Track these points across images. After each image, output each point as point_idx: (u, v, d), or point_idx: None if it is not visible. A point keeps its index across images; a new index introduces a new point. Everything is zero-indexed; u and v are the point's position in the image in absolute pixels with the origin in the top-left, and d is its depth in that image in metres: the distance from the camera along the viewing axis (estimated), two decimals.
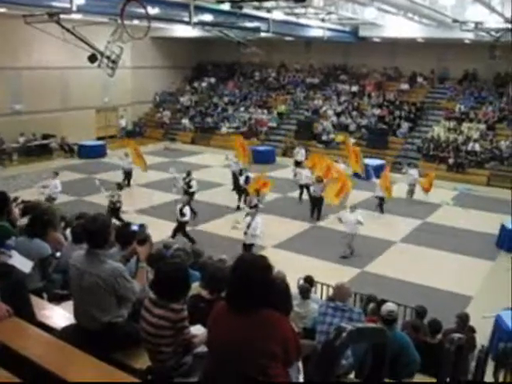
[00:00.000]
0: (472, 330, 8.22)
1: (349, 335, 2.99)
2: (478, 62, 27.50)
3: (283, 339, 2.98)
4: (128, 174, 20.85)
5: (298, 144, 26.16)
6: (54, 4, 15.08)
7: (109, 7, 15.18)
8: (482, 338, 8.55)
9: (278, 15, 21.78)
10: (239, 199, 18.41)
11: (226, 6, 18.12)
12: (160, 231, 14.43)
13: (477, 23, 20.07)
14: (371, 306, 8.45)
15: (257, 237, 13.59)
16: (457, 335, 6.86)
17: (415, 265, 14.27)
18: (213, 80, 36.45)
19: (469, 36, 23.00)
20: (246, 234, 13.55)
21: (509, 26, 17.68)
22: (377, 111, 29.23)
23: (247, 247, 13.52)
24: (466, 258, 14.86)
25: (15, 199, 10.83)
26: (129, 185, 20.62)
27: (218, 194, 19.47)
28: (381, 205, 18.46)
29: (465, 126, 26.69)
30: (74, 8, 14.04)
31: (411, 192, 20.42)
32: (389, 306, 6.18)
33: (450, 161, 24.79)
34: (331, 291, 8.46)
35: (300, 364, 3.90)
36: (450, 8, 18.25)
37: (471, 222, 17.70)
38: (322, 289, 10.92)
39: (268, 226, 16.27)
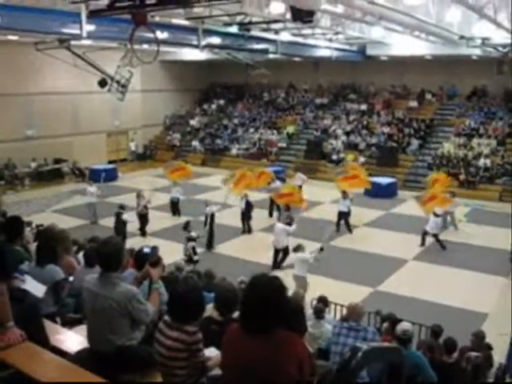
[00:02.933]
0: (489, 348, 8.12)
1: (364, 355, 2.96)
2: (487, 77, 27.51)
3: (298, 360, 2.97)
4: (175, 204, 20.26)
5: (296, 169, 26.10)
6: (65, 31, 15.31)
7: (118, 32, 15.36)
8: (500, 356, 8.42)
9: (285, 36, 21.97)
10: (243, 224, 18.52)
11: (233, 29, 18.32)
12: (172, 254, 14.44)
13: (484, 39, 20.15)
14: (385, 325, 8.37)
15: (284, 240, 14.84)
16: (474, 354, 6.78)
17: (428, 283, 14.14)
18: (222, 102, 36.71)
19: (476, 52, 23.06)
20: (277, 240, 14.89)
21: None
22: (386, 129, 29.25)
23: (280, 252, 14.90)
24: (480, 275, 14.71)
25: (29, 224, 10.94)
26: (179, 215, 20.07)
27: (227, 215, 19.44)
28: (438, 240, 16.99)
29: (475, 141, 26.63)
30: (84, 34, 14.23)
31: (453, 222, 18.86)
32: (404, 326, 6.11)
33: (461, 177, 24.70)
34: (344, 311, 8.41)
35: None
36: (456, 25, 18.30)
37: (484, 238, 17.56)
38: (335, 309, 10.84)
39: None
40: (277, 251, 15.06)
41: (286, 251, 14.89)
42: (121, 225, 16.96)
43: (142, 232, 18.03)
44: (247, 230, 18.50)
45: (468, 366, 6.79)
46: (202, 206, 17.77)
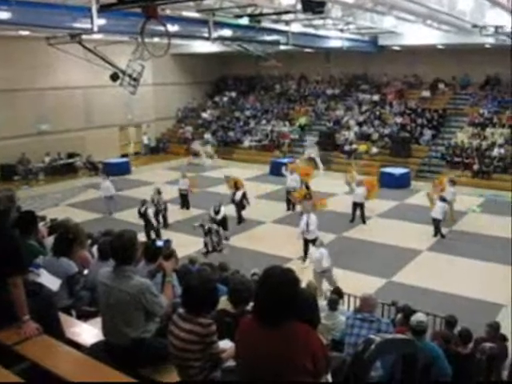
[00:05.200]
0: (504, 339, 8.07)
1: (377, 347, 2.95)
2: (500, 66, 27.13)
3: (312, 352, 2.97)
4: (184, 196, 20.34)
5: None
6: (76, 25, 15.34)
7: (129, 26, 15.38)
8: None
9: (296, 27, 21.86)
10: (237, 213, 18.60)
11: (244, 21, 18.25)
12: (185, 246, 14.50)
13: (497, 27, 19.89)
14: (398, 316, 8.37)
15: (316, 231, 14.79)
16: (488, 345, 6.75)
17: (443, 273, 14.08)
18: (234, 94, 36.66)
19: (489, 40, 22.76)
20: (308, 231, 14.70)
21: None
22: (399, 119, 29.06)
23: (310, 242, 14.55)
24: (494, 266, 14.60)
25: (43, 218, 11.01)
26: (187, 207, 20.26)
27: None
28: (437, 227, 16.95)
29: (488, 131, 26.39)
30: (95, 29, 14.25)
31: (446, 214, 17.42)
32: (418, 317, 6.10)
33: (475, 167, 24.51)
34: (358, 302, 8.41)
35: (329, 376, 3.87)
36: (469, 13, 18.11)
37: (499, 228, 17.42)
38: (349, 300, 10.84)
39: (293, 238, 16.32)
40: (306, 242, 14.96)
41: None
42: (149, 220, 16.78)
43: (165, 224, 18.13)
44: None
45: (482, 356, 6.76)
46: (213, 199, 17.73)
